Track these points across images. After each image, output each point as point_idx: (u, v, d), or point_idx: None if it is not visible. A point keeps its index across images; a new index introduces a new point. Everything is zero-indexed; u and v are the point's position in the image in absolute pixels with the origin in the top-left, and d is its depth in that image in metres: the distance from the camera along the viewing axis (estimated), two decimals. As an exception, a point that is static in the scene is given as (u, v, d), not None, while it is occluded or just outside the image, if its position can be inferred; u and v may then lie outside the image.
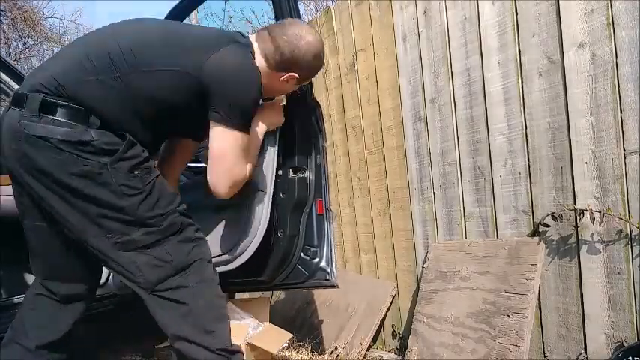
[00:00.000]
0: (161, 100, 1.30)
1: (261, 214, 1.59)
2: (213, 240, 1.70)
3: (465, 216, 2.02)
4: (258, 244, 1.60)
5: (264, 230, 1.59)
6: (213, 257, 1.68)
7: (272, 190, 1.60)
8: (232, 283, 1.79)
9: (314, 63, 1.45)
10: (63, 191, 1.21)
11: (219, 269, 1.69)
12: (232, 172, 1.38)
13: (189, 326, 1.29)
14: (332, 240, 1.72)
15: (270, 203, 1.59)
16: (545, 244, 1.69)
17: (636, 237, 1.46)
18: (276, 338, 1.95)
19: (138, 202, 1.25)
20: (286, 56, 1.39)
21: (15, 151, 1.21)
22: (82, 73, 1.24)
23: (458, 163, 2.03)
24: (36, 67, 1.35)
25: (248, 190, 1.61)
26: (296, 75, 1.43)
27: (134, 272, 1.27)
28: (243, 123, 1.33)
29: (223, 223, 1.72)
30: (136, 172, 1.26)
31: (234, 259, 1.63)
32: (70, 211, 1.23)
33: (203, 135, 1.60)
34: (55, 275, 1.41)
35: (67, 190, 1.21)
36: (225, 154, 1.35)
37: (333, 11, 2.76)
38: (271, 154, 1.60)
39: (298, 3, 1.69)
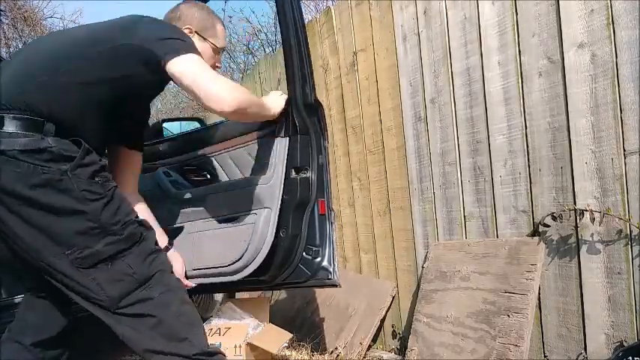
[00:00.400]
0: (112, 78, 1.32)
1: (267, 230, 1.63)
2: (219, 251, 1.73)
3: (465, 216, 2.03)
4: (263, 258, 1.65)
5: (269, 246, 1.64)
6: (220, 268, 1.73)
7: (279, 208, 1.65)
8: (234, 283, 1.79)
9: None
10: (22, 207, 1.18)
11: (224, 279, 1.73)
12: (210, 77, 1.33)
13: (161, 337, 1.26)
14: (334, 240, 1.72)
15: (276, 220, 1.64)
16: (545, 244, 1.69)
17: (636, 237, 1.46)
18: (276, 338, 1.95)
19: (101, 207, 1.23)
20: (178, 12, 1.61)
21: None
22: (28, 78, 1.26)
23: (458, 163, 2.03)
24: None
25: (255, 206, 1.67)
26: (189, 25, 1.58)
27: (95, 291, 1.23)
28: (192, 49, 1.36)
29: (229, 235, 1.75)
30: (97, 179, 1.25)
31: (238, 271, 1.68)
32: (28, 230, 1.20)
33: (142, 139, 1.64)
34: (43, 289, 1.43)
35: (27, 204, 1.18)
36: (195, 68, 1.32)
37: (333, 11, 2.76)
38: (279, 173, 1.65)
39: (300, 2, 1.70)
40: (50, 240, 1.20)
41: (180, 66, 1.31)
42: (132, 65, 1.34)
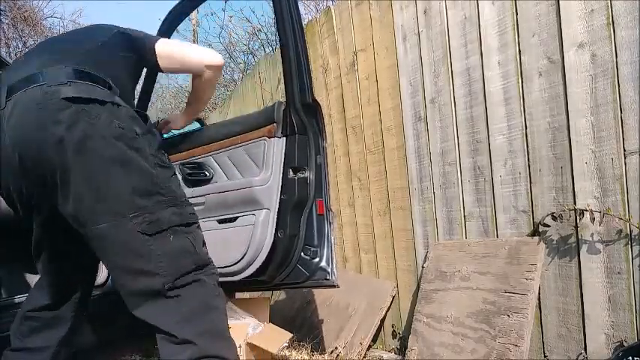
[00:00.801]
0: (128, 57, 1.44)
1: (266, 231, 1.65)
2: (220, 252, 1.74)
3: (465, 216, 2.02)
4: (264, 259, 1.66)
5: (269, 247, 1.65)
6: (221, 269, 1.74)
7: (277, 209, 1.66)
8: (233, 282, 1.79)
9: None
10: (92, 158, 1.13)
11: (225, 280, 1.74)
12: (193, 45, 1.61)
13: (190, 326, 1.15)
14: (332, 240, 1.72)
15: (275, 221, 1.65)
16: (545, 244, 1.69)
17: (636, 237, 1.46)
18: (276, 338, 1.95)
19: (168, 176, 1.24)
20: None
21: (37, 129, 1.13)
22: (78, 49, 1.34)
23: (458, 163, 2.03)
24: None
25: (254, 207, 1.68)
26: None
27: (153, 261, 1.14)
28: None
29: (229, 236, 1.76)
30: (162, 151, 1.27)
31: (240, 272, 1.69)
32: (92, 185, 1.13)
33: None
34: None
35: (98, 154, 1.13)
36: (177, 44, 1.54)
37: (333, 11, 2.76)
38: (277, 175, 1.66)
39: (298, 2, 1.69)
40: (116, 198, 1.14)
41: (165, 47, 1.48)
42: (129, 50, 1.45)
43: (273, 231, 1.65)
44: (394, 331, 2.38)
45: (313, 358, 2.27)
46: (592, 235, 1.56)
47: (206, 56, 1.51)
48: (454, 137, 2.04)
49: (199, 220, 1.86)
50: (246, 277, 1.71)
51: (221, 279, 1.75)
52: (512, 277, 1.73)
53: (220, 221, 1.81)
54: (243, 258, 1.68)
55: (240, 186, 1.74)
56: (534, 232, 1.73)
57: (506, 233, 1.85)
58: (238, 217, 1.75)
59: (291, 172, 1.68)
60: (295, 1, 1.65)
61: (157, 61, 1.48)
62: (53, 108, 1.13)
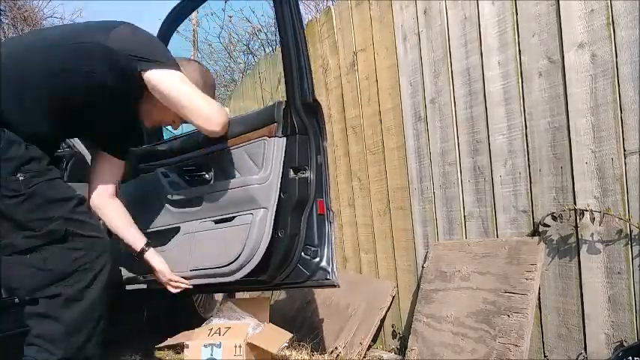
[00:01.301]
0: (69, 70, 1.31)
1: (263, 230, 1.64)
2: (216, 252, 1.73)
3: (465, 216, 2.02)
4: (259, 259, 1.65)
5: (266, 247, 1.64)
6: (216, 269, 1.73)
7: (275, 208, 1.65)
8: (231, 283, 1.79)
9: None
10: None
11: (221, 280, 1.73)
12: (207, 102, 1.42)
13: (62, 342, 1.25)
14: (333, 240, 1.72)
15: (272, 220, 1.64)
16: (545, 244, 1.69)
17: (636, 237, 1.46)
18: (276, 338, 1.95)
19: (15, 205, 1.23)
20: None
21: None
22: None
23: (458, 163, 2.03)
24: None
25: (251, 206, 1.66)
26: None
27: (13, 280, 1.25)
28: (173, 61, 1.38)
29: (225, 236, 1.75)
30: (18, 175, 1.23)
31: (235, 272, 1.68)
32: None
33: (123, 147, 1.62)
34: None
35: None
36: (186, 88, 1.38)
37: (333, 11, 2.76)
38: (276, 173, 1.65)
39: (298, 2, 1.69)
40: None
41: (162, 80, 1.37)
42: (98, 66, 1.33)
43: (271, 230, 1.64)
44: (394, 331, 2.38)
45: (313, 358, 2.27)
46: (592, 235, 1.56)
47: (213, 118, 1.45)
48: (454, 137, 2.04)
49: (197, 220, 1.84)
50: (245, 277, 1.70)
51: (217, 280, 1.75)
52: (512, 277, 1.73)
53: (217, 221, 1.80)
54: (238, 258, 1.67)
55: (237, 185, 1.74)
56: (534, 232, 1.73)
57: (506, 233, 1.85)
58: (235, 216, 1.74)
59: (291, 172, 1.68)
60: (296, 0, 1.65)
61: (144, 86, 1.39)
62: None
